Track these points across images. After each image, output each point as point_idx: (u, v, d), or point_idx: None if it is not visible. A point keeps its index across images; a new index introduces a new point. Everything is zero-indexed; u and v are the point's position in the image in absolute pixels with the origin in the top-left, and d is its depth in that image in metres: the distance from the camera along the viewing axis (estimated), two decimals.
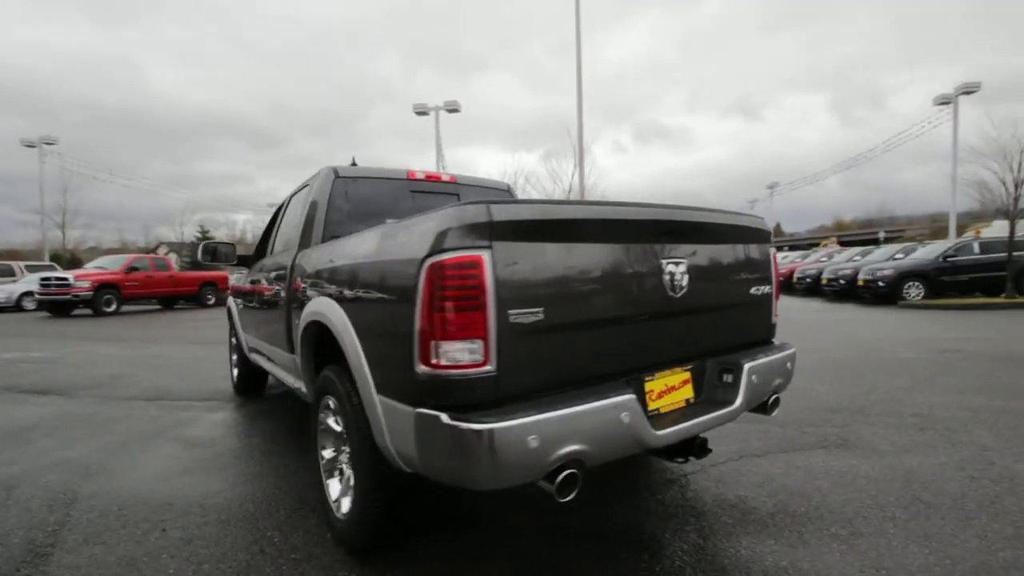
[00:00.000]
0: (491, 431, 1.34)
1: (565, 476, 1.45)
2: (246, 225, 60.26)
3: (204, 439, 3.56)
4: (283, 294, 2.94)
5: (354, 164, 3.19)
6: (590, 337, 1.64)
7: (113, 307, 14.28)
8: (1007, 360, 5.64)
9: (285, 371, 3.08)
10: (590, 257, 1.63)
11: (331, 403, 2.20)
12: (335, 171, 3.04)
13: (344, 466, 2.23)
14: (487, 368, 1.42)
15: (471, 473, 1.41)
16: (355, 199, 3.06)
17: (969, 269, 12.51)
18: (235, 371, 5.01)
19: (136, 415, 4.19)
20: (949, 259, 12.69)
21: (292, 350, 2.82)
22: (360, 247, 1.90)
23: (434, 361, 1.42)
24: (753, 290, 2.18)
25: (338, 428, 2.24)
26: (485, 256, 1.40)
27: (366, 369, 1.77)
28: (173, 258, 20.82)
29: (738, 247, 2.13)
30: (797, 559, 2.01)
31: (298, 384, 2.87)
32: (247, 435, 3.64)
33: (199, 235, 35.58)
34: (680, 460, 2.04)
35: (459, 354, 1.41)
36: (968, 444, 3.13)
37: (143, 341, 9.20)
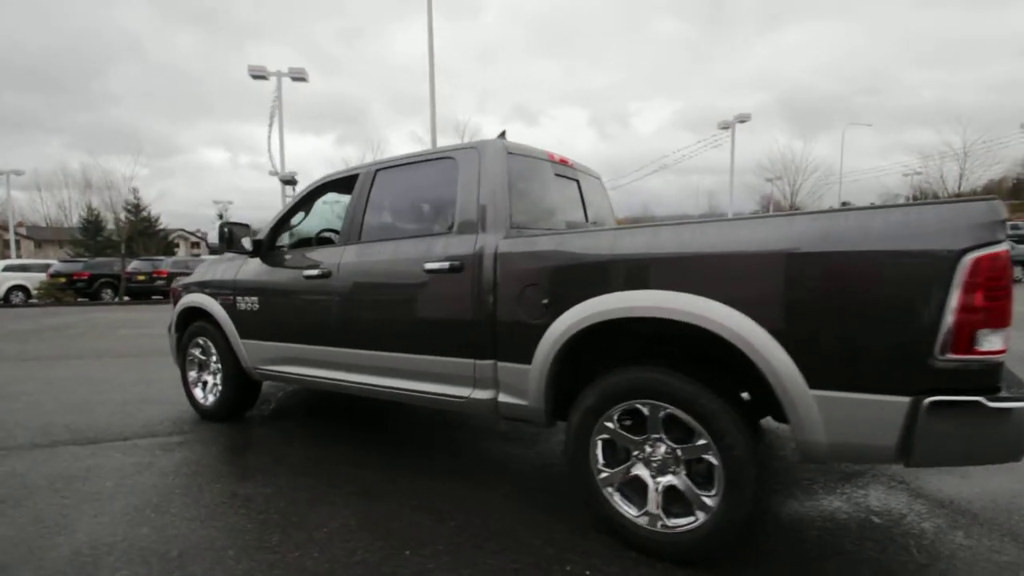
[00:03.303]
0: None
1: None
2: None
3: (287, 484, 2.72)
4: (456, 289, 2.44)
5: (503, 136, 2.76)
6: None
7: None
8: None
9: (439, 382, 2.55)
10: None
11: (644, 409, 1.97)
12: (505, 145, 2.61)
13: (644, 475, 2.02)
14: (1004, 353, 1.52)
15: (1005, 453, 1.50)
16: (523, 179, 2.68)
17: None
18: (200, 392, 3.86)
19: (100, 466, 2.93)
20: None
21: (487, 355, 2.38)
22: (769, 232, 1.74)
23: (977, 348, 1.47)
24: None
25: (637, 437, 2.02)
26: (1007, 248, 1.50)
27: (791, 366, 1.68)
28: None
29: None
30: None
31: (472, 394, 2.43)
32: (331, 462, 2.89)
33: None
34: None
35: (993, 341, 1.48)
36: None
37: None
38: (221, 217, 52.99)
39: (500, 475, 2.80)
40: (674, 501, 1.98)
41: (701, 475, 1.94)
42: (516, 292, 2.27)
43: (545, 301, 2.17)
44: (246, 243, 3.35)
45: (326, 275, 2.96)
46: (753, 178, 36.96)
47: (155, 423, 3.74)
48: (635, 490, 2.06)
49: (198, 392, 3.88)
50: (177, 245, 59.23)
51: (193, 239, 66.89)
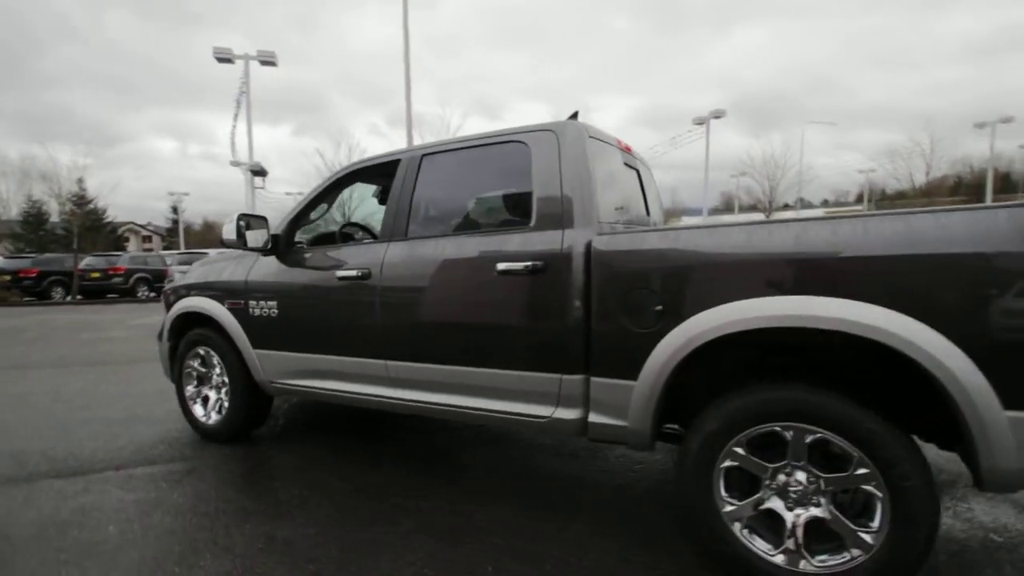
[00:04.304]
0: None
1: None
2: None
3: (330, 521, 2.34)
4: (538, 293, 2.11)
5: (575, 117, 2.43)
6: None
7: None
8: None
9: (514, 399, 2.22)
10: None
11: (786, 434, 1.70)
12: (586, 129, 2.28)
13: (778, 507, 1.76)
14: None
15: None
16: (602, 167, 2.36)
17: None
18: (200, 409, 3.40)
19: (96, 505, 2.47)
20: None
21: (576, 369, 2.06)
22: (955, 229, 1.48)
23: None
24: None
25: (771, 464, 1.75)
26: None
27: (982, 382, 1.44)
28: None
29: None
30: None
31: (555, 413, 2.12)
32: (373, 490, 2.52)
33: None
34: None
35: None
36: None
37: None
38: (176, 211, 50.31)
39: (574, 500, 2.50)
40: (817, 536, 1.72)
41: (847, 506, 1.70)
42: (619, 297, 1.96)
43: (659, 307, 1.87)
44: (256, 238, 2.90)
45: (365, 276, 2.57)
46: (714, 174, 37.64)
47: (149, 447, 3.26)
48: (767, 525, 1.79)
49: (198, 409, 3.42)
50: (127, 239, 56.11)
51: (144, 233, 63.60)
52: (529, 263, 2.11)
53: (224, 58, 14.91)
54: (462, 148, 2.51)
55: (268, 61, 15.30)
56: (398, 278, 2.49)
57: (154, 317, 11.43)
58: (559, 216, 2.13)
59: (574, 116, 2.42)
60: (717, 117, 22.64)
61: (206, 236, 56.34)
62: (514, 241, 2.20)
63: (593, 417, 2.08)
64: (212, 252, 15.90)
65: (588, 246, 2.04)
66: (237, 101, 17.05)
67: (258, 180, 16.21)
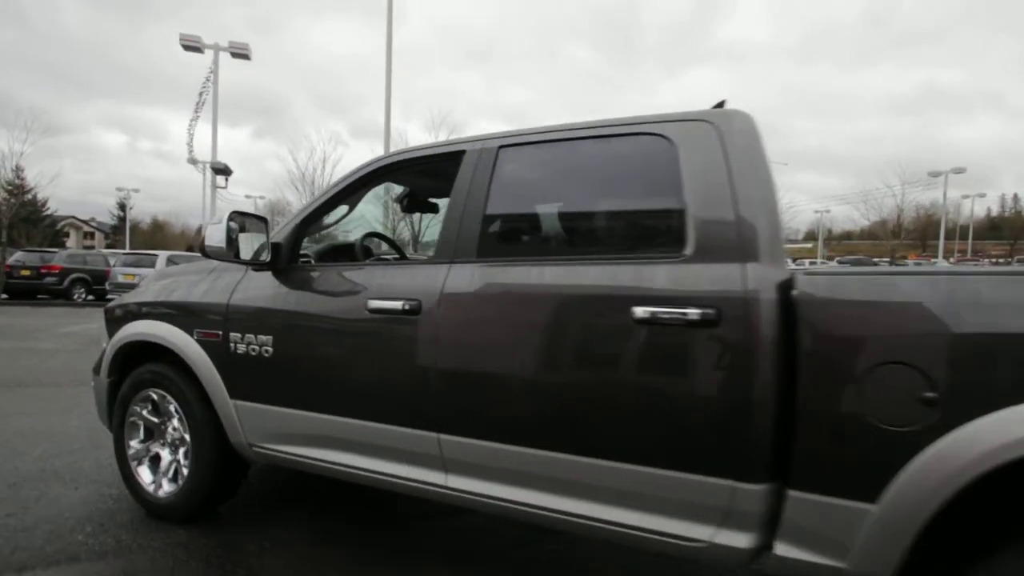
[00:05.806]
0: None
1: None
2: None
3: None
4: (699, 354, 1.41)
5: (721, 107, 1.77)
6: None
7: None
8: None
9: (650, 510, 1.49)
10: None
11: None
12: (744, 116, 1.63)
13: None
14: None
15: None
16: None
17: None
18: (147, 473, 2.52)
19: None
20: None
21: (760, 475, 1.36)
22: None
23: None
24: None
25: None
26: None
27: None
28: None
29: None
30: None
31: (716, 537, 1.41)
32: None
33: None
34: None
35: None
36: None
37: None
38: (123, 208, 46.96)
39: None
40: None
41: None
42: (851, 373, 1.28)
43: (930, 395, 1.20)
44: (249, 246, 2.10)
45: (412, 310, 1.80)
46: None
47: (71, 528, 2.33)
48: None
49: (144, 473, 2.52)
50: (67, 235, 52.52)
51: (86, 229, 59.85)
52: (695, 311, 1.40)
53: (192, 46, 13.72)
54: (562, 139, 1.80)
55: (240, 54, 14.18)
56: (466, 315, 1.74)
57: (89, 324, 10.03)
58: (734, 244, 1.45)
59: (720, 105, 1.76)
60: None
61: (154, 236, 53.40)
62: (659, 276, 1.50)
63: (782, 548, 1.37)
64: (160, 255, 14.47)
65: (785, 289, 1.36)
66: (200, 94, 15.89)
67: (220, 180, 14.98)
